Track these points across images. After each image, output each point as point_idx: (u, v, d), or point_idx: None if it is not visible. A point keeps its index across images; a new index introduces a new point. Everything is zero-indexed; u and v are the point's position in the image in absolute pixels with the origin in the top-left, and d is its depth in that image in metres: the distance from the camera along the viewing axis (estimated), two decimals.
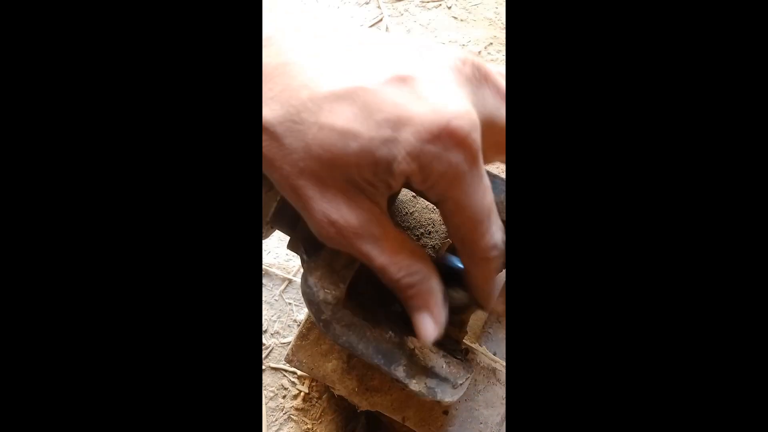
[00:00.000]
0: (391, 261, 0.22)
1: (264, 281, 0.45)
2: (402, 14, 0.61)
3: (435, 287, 0.23)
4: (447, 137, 0.19)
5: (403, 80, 0.19)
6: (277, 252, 0.45)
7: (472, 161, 0.20)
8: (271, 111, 0.20)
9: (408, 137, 0.19)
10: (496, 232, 0.23)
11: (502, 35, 0.58)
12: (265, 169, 0.21)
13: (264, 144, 0.20)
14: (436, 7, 0.60)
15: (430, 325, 0.23)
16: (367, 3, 0.61)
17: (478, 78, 0.21)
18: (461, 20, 0.60)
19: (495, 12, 0.59)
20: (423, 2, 0.61)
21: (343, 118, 0.20)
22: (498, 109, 0.22)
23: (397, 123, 0.19)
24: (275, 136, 0.20)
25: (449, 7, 0.61)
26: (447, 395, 0.25)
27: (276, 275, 0.44)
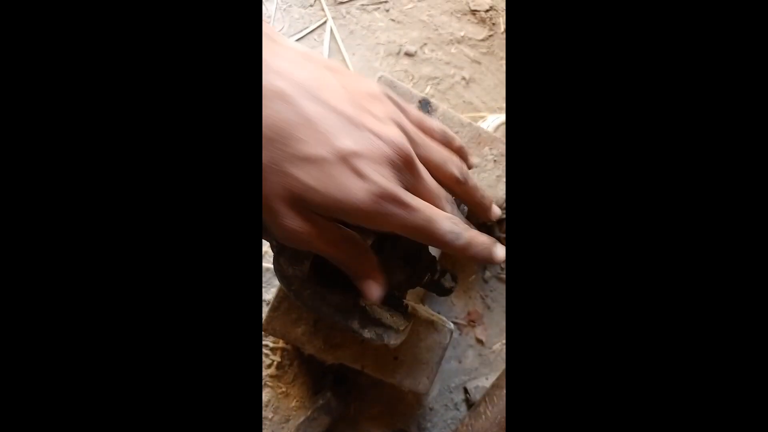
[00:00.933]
0: (337, 250, 0.29)
1: None
2: (344, 17, 0.64)
3: (372, 258, 0.30)
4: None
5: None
6: None
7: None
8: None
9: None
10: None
11: (435, 36, 0.64)
12: None
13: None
14: (376, 10, 0.65)
15: (374, 288, 0.30)
16: (311, 5, 0.65)
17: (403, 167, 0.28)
18: (398, 22, 0.64)
19: (428, 15, 0.65)
20: (363, 5, 0.65)
21: None
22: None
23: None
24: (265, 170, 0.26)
25: (387, 10, 0.65)
26: (392, 339, 0.31)
27: None
